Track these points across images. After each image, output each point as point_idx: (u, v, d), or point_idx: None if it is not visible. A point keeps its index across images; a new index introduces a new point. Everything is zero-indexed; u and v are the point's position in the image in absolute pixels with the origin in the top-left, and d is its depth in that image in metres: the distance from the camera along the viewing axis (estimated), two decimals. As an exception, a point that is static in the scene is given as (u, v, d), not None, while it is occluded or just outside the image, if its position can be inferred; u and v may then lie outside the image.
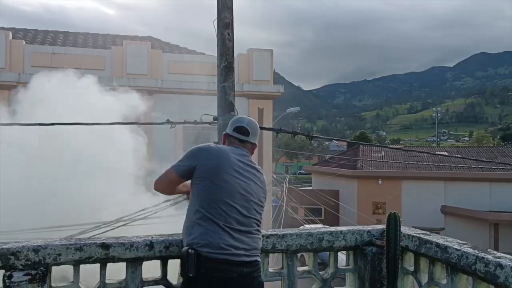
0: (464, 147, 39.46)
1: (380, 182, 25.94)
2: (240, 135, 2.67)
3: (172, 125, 5.09)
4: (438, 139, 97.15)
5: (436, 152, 28.85)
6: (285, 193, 17.83)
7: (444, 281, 2.47)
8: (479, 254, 2.19)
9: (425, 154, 27.24)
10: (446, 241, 2.49)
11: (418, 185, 25.14)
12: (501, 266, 2.04)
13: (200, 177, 2.46)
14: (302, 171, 56.14)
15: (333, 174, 26.97)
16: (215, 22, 5.07)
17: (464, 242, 2.41)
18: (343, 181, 26.48)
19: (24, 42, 12.52)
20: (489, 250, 2.26)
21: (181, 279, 2.69)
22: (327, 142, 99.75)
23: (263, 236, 2.64)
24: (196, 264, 2.25)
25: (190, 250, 2.28)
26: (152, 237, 2.64)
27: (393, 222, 2.61)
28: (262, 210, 2.59)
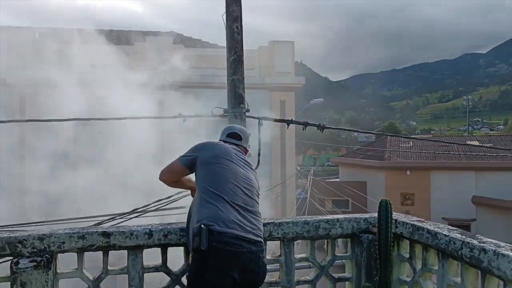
0: (498, 135, 38.30)
1: (408, 172, 25.44)
2: (234, 140, 2.95)
3: (184, 119, 5.19)
4: (471, 128, 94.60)
5: (466, 142, 28.14)
6: (309, 185, 17.81)
7: (436, 267, 2.49)
8: (465, 239, 2.19)
9: (454, 144, 26.65)
10: (437, 227, 2.50)
11: (448, 176, 24.55)
12: (484, 250, 2.05)
13: (204, 163, 2.65)
14: (330, 163, 55.76)
15: (360, 165, 26.70)
16: (224, 16, 5.13)
17: (454, 228, 2.42)
18: (371, 172, 26.15)
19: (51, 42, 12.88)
20: (477, 235, 2.26)
21: (178, 266, 2.79)
22: (355, 134, 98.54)
23: None
24: (208, 238, 2.33)
25: (202, 226, 2.37)
26: (151, 226, 2.75)
27: (384, 209, 2.63)
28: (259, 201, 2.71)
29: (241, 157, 2.79)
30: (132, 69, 12.91)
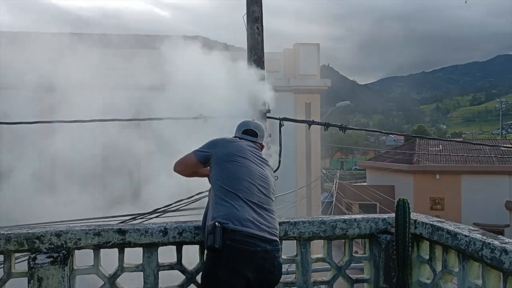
0: (533, 139, 37.07)
1: (437, 176, 24.86)
2: (250, 137, 2.86)
3: (205, 120, 5.20)
4: (504, 132, 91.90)
5: (499, 144, 27.30)
6: (335, 188, 17.63)
7: (457, 269, 2.39)
8: (486, 240, 2.10)
9: (486, 147, 25.91)
10: (457, 227, 2.41)
11: (480, 180, 23.84)
12: (506, 251, 1.96)
13: (218, 160, 2.62)
14: (357, 167, 55.14)
15: (388, 169, 26.26)
16: (245, 17, 5.14)
17: (475, 229, 2.32)
18: (399, 176, 25.66)
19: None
20: (498, 236, 2.17)
21: (194, 265, 2.78)
22: (384, 137, 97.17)
23: None
24: (222, 236, 2.30)
25: (216, 223, 2.34)
26: (166, 224, 2.75)
27: (402, 208, 2.55)
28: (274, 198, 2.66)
29: (257, 154, 2.74)
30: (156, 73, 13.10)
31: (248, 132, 2.89)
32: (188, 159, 2.71)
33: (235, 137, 2.90)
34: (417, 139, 29.34)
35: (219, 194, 2.49)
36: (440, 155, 26.38)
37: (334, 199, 16.75)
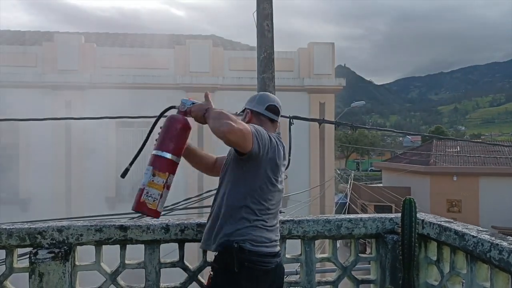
0: (553, 140, 36.26)
1: (455, 178, 24.48)
2: (274, 116, 2.37)
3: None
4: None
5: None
6: (349, 189, 17.48)
7: (465, 271, 2.31)
8: (494, 241, 2.02)
9: (505, 149, 25.40)
10: (465, 228, 2.33)
11: (498, 182, 23.41)
12: (514, 253, 1.87)
13: (264, 169, 2.20)
14: (373, 168, 54.67)
15: (404, 170, 25.96)
16: (255, 14, 5.09)
17: (484, 230, 2.24)
18: (415, 177, 25.32)
19: (95, 45, 13.31)
20: (507, 237, 2.08)
21: (196, 264, 2.75)
22: (400, 138, 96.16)
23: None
24: (240, 258, 2.12)
25: (235, 244, 2.13)
26: (168, 221, 2.73)
27: (408, 207, 2.48)
28: None
29: (283, 158, 2.34)
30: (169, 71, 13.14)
31: (273, 109, 2.36)
32: (247, 134, 2.04)
33: (252, 110, 2.37)
34: (434, 140, 28.96)
35: (244, 209, 2.19)
36: (458, 156, 25.97)
37: (348, 200, 16.61)
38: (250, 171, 2.19)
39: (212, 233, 2.25)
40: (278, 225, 2.36)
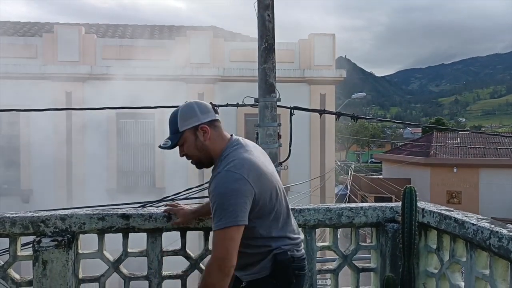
0: (554, 132, 36.23)
1: (455, 170, 24.51)
2: (216, 115, 2.10)
3: (217, 107, 5.17)
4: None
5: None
6: (350, 180, 17.51)
7: (464, 259, 2.33)
8: (493, 229, 2.04)
9: (506, 140, 25.41)
10: (465, 216, 2.34)
11: (498, 174, 23.46)
12: (514, 240, 1.89)
13: (267, 209, 2.02)
14: (373, 160, 54.66)
15: (405, 162, 25.98)
16: (256, 4, 5.07)
17: (484, 218, 2.26)
18: (416, 169, 25.36)
19: (95, 36, 13.27)
20: (507, 225, 2.10)
21: (197, 252, 2.77)
22: (401, 129, 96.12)
23: None
24: (292, 268, 2.05)
25: (289, 253, 2.03)
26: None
27: (408, 196, 2.49)
28: None
29: (265, 159, 2.17)
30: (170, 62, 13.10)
31: (214, 109, 2.11)
32: (231, 247, 1.88)
33: (203, 124, 2.03)
34: (435, 132, 28.94)
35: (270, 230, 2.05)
36: (458, 147, 25.97)
37: (348, 191, 16.65)
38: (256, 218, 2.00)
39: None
40: (291, 219, 2.19)
